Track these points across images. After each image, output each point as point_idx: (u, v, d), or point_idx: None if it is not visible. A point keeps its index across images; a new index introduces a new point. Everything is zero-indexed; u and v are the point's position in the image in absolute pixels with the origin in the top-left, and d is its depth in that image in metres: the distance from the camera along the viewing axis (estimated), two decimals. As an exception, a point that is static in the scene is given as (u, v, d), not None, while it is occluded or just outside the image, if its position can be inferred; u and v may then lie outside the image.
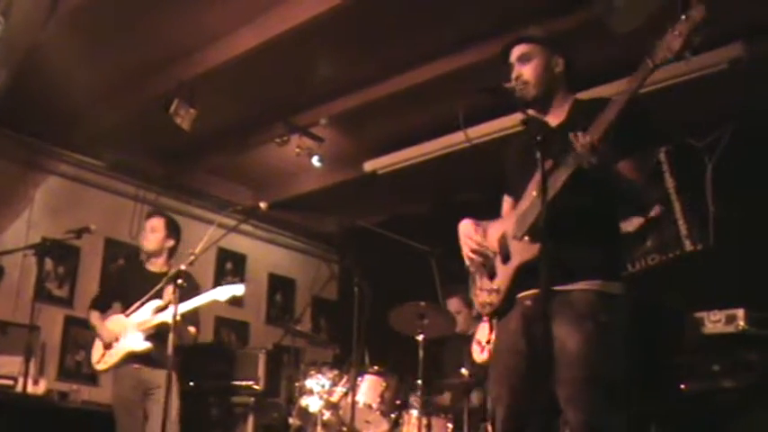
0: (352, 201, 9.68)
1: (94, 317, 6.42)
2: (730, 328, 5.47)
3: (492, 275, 3.75)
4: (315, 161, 8.14)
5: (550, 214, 3.15)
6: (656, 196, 7.28)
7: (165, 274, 6.26)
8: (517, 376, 3.49)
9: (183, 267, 5.43)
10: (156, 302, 6.10)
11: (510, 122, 6.62)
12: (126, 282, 6.48)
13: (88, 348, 7.88)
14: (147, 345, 6.07)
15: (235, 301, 6.51)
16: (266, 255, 10.54)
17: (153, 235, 6.47)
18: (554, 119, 3.66)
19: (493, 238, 3.75)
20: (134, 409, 6.18)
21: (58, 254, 8.12)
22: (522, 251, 3.51)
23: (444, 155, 7.94)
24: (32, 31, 6.39)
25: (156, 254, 6.42)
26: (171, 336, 5.34)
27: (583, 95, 3.80)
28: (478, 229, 3.82)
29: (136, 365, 6.16)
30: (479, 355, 5.93)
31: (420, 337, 6.44)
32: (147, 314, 6.12)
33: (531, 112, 3.56)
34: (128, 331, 6.18)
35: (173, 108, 7.01)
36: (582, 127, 3.26)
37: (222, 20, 6.51)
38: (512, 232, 3.61)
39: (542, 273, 3.01)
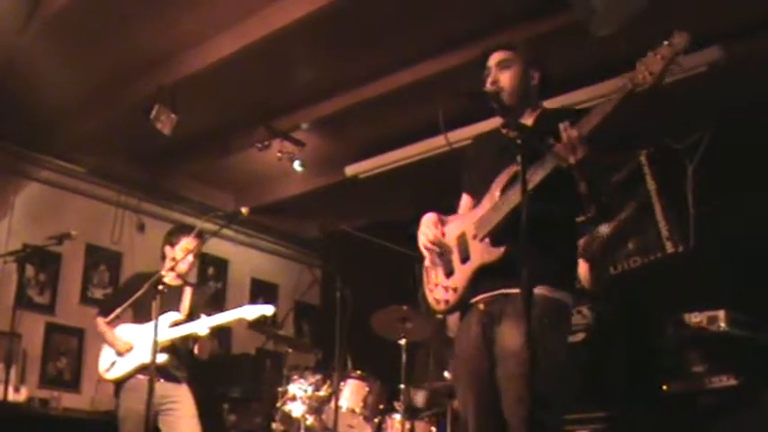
0: (334, 205, 9.68)
1: (101, 324, 6.26)
2: (712, 329, 5.49)
3: (449, 273, 3.75)
4: (296, 166, 8.13)
5: (515, 218, 3.19)
6: (620, 203, 7.33)
7: (179, 286, 6.25)
8: (481, 380, 3.50)
9: (163, 272, 5.40)
10: (174, 315, 6.06)
11: (490, 126, 6.63)
12: (137, 290, 6.28)
13: (70, 355, 7.88)
14: (164, 357, 5.97)
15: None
16: (248, 260, 10.52)
17: (187, 256, 6.24)
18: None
19: (452, 236, 3.76)
20: (142, 423, 6.02)
21: (38, 260, 8.08)
22: (483, 253, 3.53)
23: (425, 159, 7.95)
24: (10, 36, 6.37)
25: (182, 273, 6.34)
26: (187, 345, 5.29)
27: (554, 102, 3.83)
28: (438, 224, 3.82)
29: (147, 378, 6.01)
30: None
31: (402, 341, 6.44)
32: (165, 326, 5.99)
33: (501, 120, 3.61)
34: (143, 343, 6.01)
35: (153, 113, 6.99)
36: (549, 133, 3.28)
37: (202, 25, 6.50)
38: (472, 232, 3.62)
39: (523, 274, 3.00)
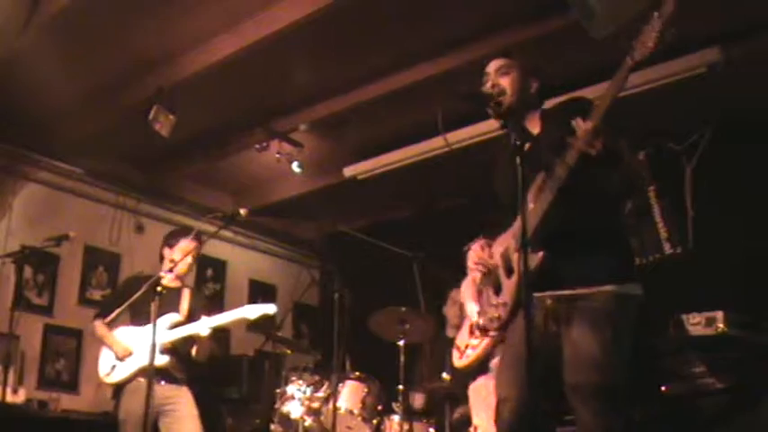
0: (333, 206, 9.69)
1: (100, 327, 6.27)
2: (710, 331, 5.49)
3: (497, 290, 3.76)
4: (295, 167, 8.13)
5: (549, 220, 3.23)
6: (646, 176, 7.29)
7: (178, 288, 6.26)
8: (524, 382, 3.47)
9: (161, 274, 5.40)
10: (173, 316, 6.06)
11: (489, 127, 6.64)
12: (135, 293, 6.24)
13: (68, 357, 7.88)
14: (165, 359, 5.97)
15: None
16: (247, 261, 10.52)
17: (185, 257, 6.27)
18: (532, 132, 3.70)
19: (497, 254, 3.79)
20: (142, 425, 6.01)
21: (37, 262, 8.06)
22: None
23: (424, 160, 7.96)
24: (9, 38, 6.37)
25: (180, 275, 6.34)
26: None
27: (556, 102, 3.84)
28: (485, 248, 3.87)
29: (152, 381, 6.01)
30: (458, 360, 5.91)
31: (401, 343, 6.44)
32: (164, 328, 6.02)
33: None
34: (143, 345, 5.99)
35: (152, 115, 6.99)
36: (558, 133, 3.28)
37: (201, 26, 6.49)
38: (513, 246, 3.64)
39: (523, 276, 3.01)
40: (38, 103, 7.28)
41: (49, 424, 7.49)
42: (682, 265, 7.14)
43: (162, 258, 6.40)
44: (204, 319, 6.00)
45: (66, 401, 7.99)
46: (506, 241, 3.75)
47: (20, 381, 7.62)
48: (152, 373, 5.22)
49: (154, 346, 5.27)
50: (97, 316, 6.37)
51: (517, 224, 3.59)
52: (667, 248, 7.33)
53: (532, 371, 3.35)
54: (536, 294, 3.58)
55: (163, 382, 5.99)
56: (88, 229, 8.59)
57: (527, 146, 3.21)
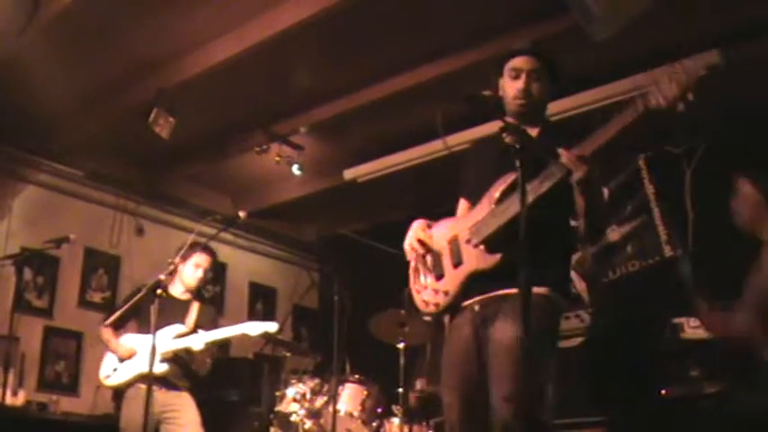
0: (333, 209, 9.69)
1: (107, 333, 6.30)
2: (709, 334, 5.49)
3: (439, 276, 3.75)
4: (295, 169, 8.13)
5: (512, 226, 3.21)
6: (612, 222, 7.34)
7: (187, 300, 6.29)
8: (469, 384, 3.50)
9: (162, 277, 5.40)
10: (178, 327, 6.07)
11: (489, 130, 6.63)
12: (144, 302, 6.03)
13: (68, 359, 7.88)
14: (164, 367, 6.00)
15: (216, 325, 6.47)
16: (247, 263, 10.52)
17: (196, 271, 6.37)
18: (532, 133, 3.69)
19: (441, 239, 3.77)
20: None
21: (37, 264, 8.07)
22: (478, 259, 3.54)
23: (424, 163, 7.96)
24: (9, 39, 6.37)
25: (192, 288, 6.37)
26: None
27: (556, 105, 3.85)
28: (425, 228, 3.85)
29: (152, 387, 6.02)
30: None
31: (401, 345, 6.44)
32: (169, 338, 6.05)
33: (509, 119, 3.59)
34: (145, 351, 5.98)
35: (152, 117, 6.99)
36: (554, 144, 3.31)
37: (201, 28, 6.50)
38: (465, 236, 3.63)
39: (521, 277, 3.01)
40: (38, 104, 7.29)
41: (49, 426, 7.48)
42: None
43: (174, 270, 6.33)
44: (201, 333, 6.05)
45: (66, 404, 7.98)
46: (455, 228, 3.74)
47: (20, 383, 7.62)
48: (151, 378, 5.22)
49: (154, 348, 5.27)
50: (106, 323, 6.38)
51: (475, 215, 3.63)
52: (667, 251, 7.33)
53: (485, 376, 3.40)
54: (465, 303, 3.62)
55: (163, 389, 6.00)
56: (88, 232, 8.59)
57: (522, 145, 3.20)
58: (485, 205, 3.59)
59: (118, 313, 5.96)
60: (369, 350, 6.86)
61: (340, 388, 6.55)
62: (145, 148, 8.09)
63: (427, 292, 3.79)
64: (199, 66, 6.83)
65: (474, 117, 6.52)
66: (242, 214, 5.83)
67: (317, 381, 6.84)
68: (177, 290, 6.37)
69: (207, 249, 6.47)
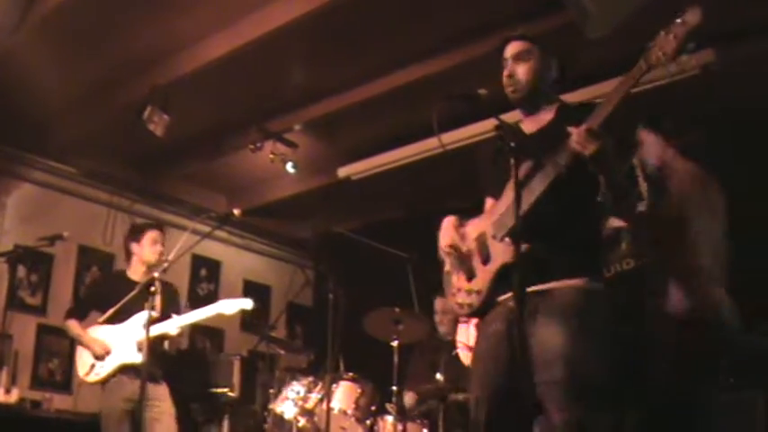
0: (327, 207, 9.68)
1: (75, 326, 6.26)
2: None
3: (470, 276, 3.69)
4: (289, 167, 8.12)
5: (534, 215, 3.20)
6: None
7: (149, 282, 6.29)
8: (499, 380, 3.43)
9: (156, 275, 5.40)
10: (148, 314, 6.08)
11: (484, 128, 6.65)
12: (108, 291, 6.22)
13: (61, 357, 7.88)
14: (141, 356, 6.00)
15: (175, 303, 6.49)
16: (241, 261, 10.52)
17: (155, 247, 6.36)
18: (539, 121, 3.65)
19: (471, 238, 3.71)
20: (124, 422, 6.10)
21: (30, 261, 8.06)
22: (504, 253, 3.46)
23: (419, 160, 7.96)
24: (3, 36, 6.36)
25: (153, 265, 6.38)
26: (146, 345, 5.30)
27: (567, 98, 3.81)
28: (458, 228, 3.77)
29: (128, 378, 6.09)
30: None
31: (395, 343, 6.44)
32: (139, 326, 6.02)
33: (519, 114, 3.59)
34: (120, 343, 6.08)
35: (146, 114, 6.99)
36: (569, 126, 3.26)
37: (195, 26, 6.50)
38: (491, 232, 3.58)
39: (516, 276, 3.00)
40: (32, 102, 7.27)
41: (43, 424, 7.48)
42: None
43: (129, 255, 6.44)
44: (174, 318, 6.08)
45: (59, 401, 7.99)
46: (481, 225, 3.68)
47: (13, 381, 7.61)
48: (145, 371, 5.25)
49: (149, 340, 5.30)
50: (69, 315, 6.36)
51: (498, 210, 3.57)
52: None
53: (517, 374, 3.36)
54: (500, 298, 3.55)
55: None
56: (82, 229, 8.58)
57: (516, 143, 3.18)
58: (505, 199, 3.52)
59: (111, 311, 5.95)
60: (363, 348, 6.86)
61: (334, 386, 6.55)
62: (139, 145, 8.08)
63: (461, 294, 3.73)
64: (193, 63, 6.83)
65: (470, 115, 6.53)
66: (236, 212, 5.83)
67: (311, 378, 6.83)
68: (137, 273, 6.34)
69: (155, 225, 6.59)
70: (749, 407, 5.21)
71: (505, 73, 3.65)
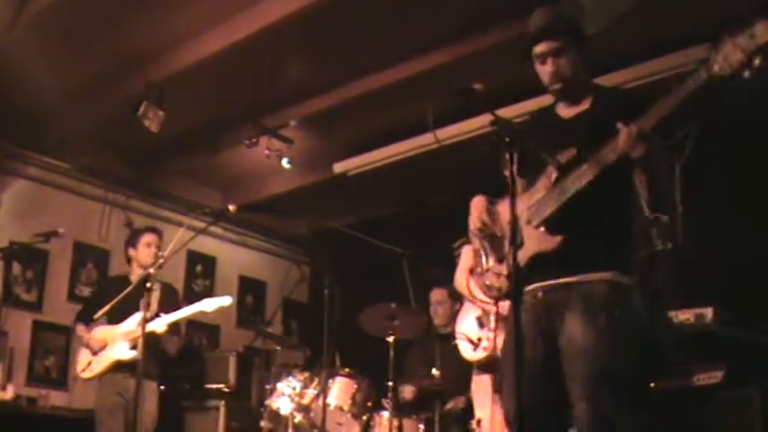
0: (323, 202, 9.67)
1: (81, 330, 6.51)
2: (699, 327, 5.49)
3: (501, 258, 3.69)
4: (284, 163, 8.12)
5: (572, 206, 3.25)
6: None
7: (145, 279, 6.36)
8: (528, 370, 3.40)
9: (152, 271, 5.42)
10: (143, 311, 6.13)
11: (479, 124, 6.64)
12: (112, 295, 6.20)
13: (57, 353, 7.89)
14: (133, 353, 6.10)
15: (174, 304, 6.56)
16: (236, 257, 10.50)
17: (149, 250, 6.50)
18: (575, 110, 3.67)
19: (504, 219, 3.68)
20: (117, 417, 6.22)
21: (26, 258, 8.04)
22: (539, 241, 3.47)
23: (414, 156, 7.95)
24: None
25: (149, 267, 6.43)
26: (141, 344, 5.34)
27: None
28: (487, 208, 3.77)
29: (122, 374, 6.21)
30: (471, 353, 5.80)
31: (390, 339, 6.43)
32: (133, 324, 6.17)
33: (559, 104, 3.60)
34: (115, 340, 6.28)
35: (141, 110, 6.98)
36: (607, 114, 3.31)
37: (190, 22, 6.49)
38: (525, 217, 3.56)
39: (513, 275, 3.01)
40: (27, 98, 7.27)
41: (38, 420, 7.48)
42: (671, 261, 7.15)
43: (129, 260, 6.65)
44: (162, 316, 6.20)
45: (55, 398, 7.99)
46: (517, 208, 3.67)
47: (8, 377, 7.61)
48: (141, 367, 5.28)
49: (145, 337, 5.37)
50: (79, 320, 6.60)
51: (534, 196, 3.56)
52: (657, 244, 7.33)
53: (545, 363, 3.39)
54: (527, 288, 3.54)
55: (133, 377, 6.09)
56: (77, 225, 8.57)
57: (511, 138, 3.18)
58: (543, 184, 3.52)
59: (104, 310, 5.98)
60: (359, 344, 6.85)
61: (330, 382, 6.55)
62: (134, 141, 8.07)
63: (489, 275, 3.72)
64: (188, 59, 6.82)
65: (465, 110, 6.52)
66: (231, 208, 5.87)
67: (306, 374, 6.84)
68: (136, 275, 6.46)
69: (153, 229, 6.74)
70: (745, 403, 5.21)
71: (549, 69, 3.62)
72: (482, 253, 3.82)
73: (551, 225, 3.43)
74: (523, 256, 3.52)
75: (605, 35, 5.57)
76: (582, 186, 3.31)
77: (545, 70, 3.63)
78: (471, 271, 4.38)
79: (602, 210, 3.36)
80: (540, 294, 3.50)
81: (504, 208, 3.71)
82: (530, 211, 3.55)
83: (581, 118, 3.60)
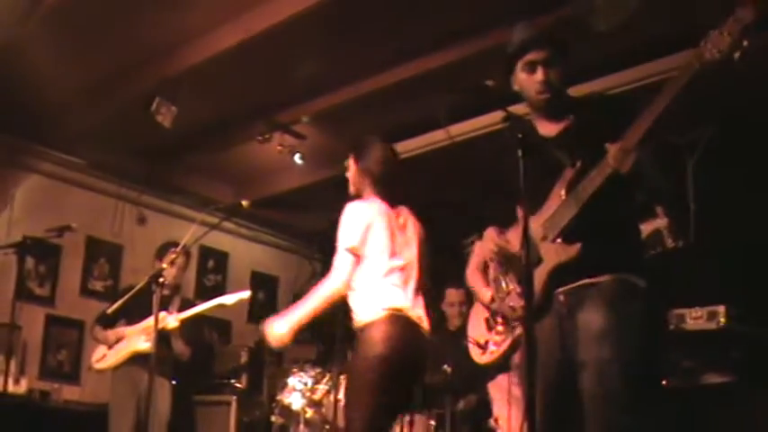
0: (334, 198, 9.66)
1: (99, 332, 6.64)
2: (711, 325, 5.48)
3: (521, 279, 3.70)
4: (297, 159, 8.13)
5: (585, 215, 3.29)
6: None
7: (168, 296, 6.44)
8: (553, 372, 3.48)
9: (164, 266, 5.44)
10: (161, 314, 6.18)
11: (491, 120, 6.64)
12: (135, 302, 6.18)
13: (70, 347, 7.93)
14: (149, 345, 6.12)
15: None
16: (248, 252, 10.52)
17: (171, 269, 6.38)
18: (553, 126, 3.67)
19: (516, 241, 3.69)
20: (129, 410, 6.26)
21: (39, 252, 8.07)
22: (558, 253, 3.50)
23: (427, 152, 7.94)
24: (11, 28, 6.37)
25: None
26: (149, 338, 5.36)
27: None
28: (501, 236, 3.83)
29: (136, 367, 6.25)
30: (481, 356, 5.82)
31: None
32: (152, 321, 6.17)
33: (538, 119, 3.60)
34: (132, 335, 6.41)
35: (154, 106, 7.00)
36: (593, 126, 3.36)
37: (203, 18, 6.49)
38: (540, 234, 3.59)
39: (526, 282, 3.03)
40: (40, 94, 7.28)
41: (51, 414, 7.52)
42: (683, 259, 7.13)
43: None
44: (174, 313, 6.36)
45: (68, 392, 8.03)
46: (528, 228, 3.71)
47: (21, 371, 7.65)
48: (153, 363, 5.30)
49: (163, 332, 5.43)
50: (98, 322, 6.71)
51: (546, 212, 3.58)
52: (669, 242, 7.32)
53: (570, 365, 3.41)
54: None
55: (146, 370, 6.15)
56: (90, 221, 8.60)
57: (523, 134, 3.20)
58: (554, 200, 3.55)
59: (118, 303, 6.00)
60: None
61: (341, 377, 6.56)
62: (147, 137, 8.07)
63: (512, 297, 3.77)
64: (201, 55, 6.82)
65: (477, 107, 6.52)
66: (244, 203, 5.89)
67: (318, 370, 6.86)
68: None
69: (178, 246, 6.50)
70: (757, 402, 5.20)
71: (540, 77, 3.61)
72: (500, 277, 3.90)
73: (568, 235, 3.46)
74: (543, 271, 3.57)
75: (615, 33, 5.58)
76: (590, 194, 3.36)
77: (533, 79, 3.63)
78: (479, 268, 4.45)
79: (602, 218, 3.38)
80: (561, 298, 3.54)
81: (514, 235, 3.78)
82: (544, 227, 3.58)
83: (567, 133, 3.61)
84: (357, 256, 4.30)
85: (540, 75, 3.61)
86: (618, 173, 3.24)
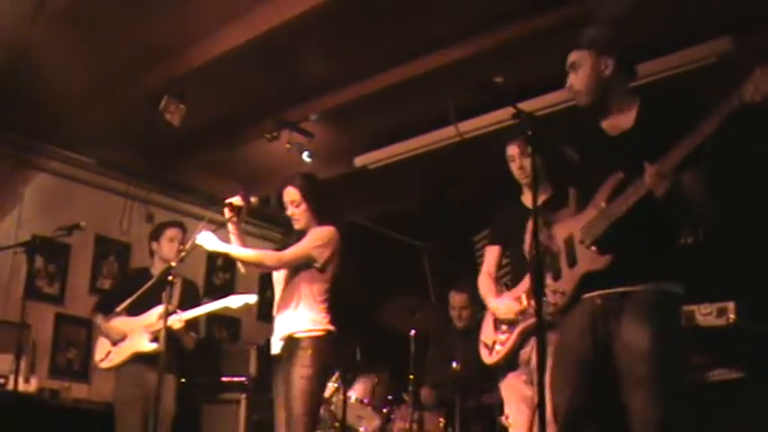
0: (343, 196, 9.67)
1: (100, 319, 6.62)
2: (721, 321, 5.47)
3: (557, 276, 3.77)
4: (305, 157, 8.11)
5: (619, 227, 3.35)
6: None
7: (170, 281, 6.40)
8: (582, 374, 3.52)
9: (173, 264, 5.44)
10: (165, 305, 6.17)
11: (501, 117, 6.63)
12: (133, 287, 6.15)
13: (79, 346, 7.94)
14: (153, 346, 6.17)
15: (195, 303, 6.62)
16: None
17: (172, 244, 6.63)
18: (619, 124, 3.69)
19: (559, 238, 3.78)
20: (135, 409, 6.27)
21: (48, 251, 8.08)
22: (590, 260, 3.56)
23: (436, 149, 7.93)
24: (19, 27, 6.38)
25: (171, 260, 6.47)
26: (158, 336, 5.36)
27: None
28: (546, 228, 3.84)
29: (141, 366, 6.26)
30: (488, 357, 5.83)
31: (411, 333, 6.43)
32: (153, 317, 6.24)
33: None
34: (134, 332, 6.37)
35: (162, 104, 7.01)
36: (652, 134, 3.41)
37: (211, 16, 6.49)
38: (579, 236, 3.64)
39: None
40: (48, 92, 7.28)
41: (61, 413, 7.52)
42: (693, 255, 7.10)
43: (152, 253, 6.82)
44: (179, 313, 6.28)
45: (77, 390, 8.04)
46: (571, 226, 3.75)
47: (31, 370, 7.66)
48: (162, 363, 5.31)
49: (168, 330, 5.42)
50: (98, 309, 6.74)
51: (586, 215, 3.64)
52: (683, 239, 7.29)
53: (600, 368, 3.47)
54: (585, 295, 3.62)
55: (152, 370, 6.15)
56: (99, 219, 8.61)
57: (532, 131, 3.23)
58: (596, 203, 3.60)
59: (128, 301, 5.99)
60: (379, 337, 6.86)
61: (350, 375, 6.57)
62: (155, 135, 8.07)
63: (547, 292, 3.80)
64: (209, 53, 6.82)
65: (487, 104, 6.51)
66: (253, 200, 5.92)
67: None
68: (158, 268, 6.52)
69: (177, 223, 6.88)
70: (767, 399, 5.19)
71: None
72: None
73: (601, 245, 3.50)
74: (575, 274, 3.64)
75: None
76: (623, 212, 3.41)
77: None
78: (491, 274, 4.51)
79: (641, 228, 3.43)
80: (598, 301, 3.58)
81: (559, 228, 3.82)
82: (582, 231, 3.62)
83: (625, 136, 3.64)
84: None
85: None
86: (652, 194, 3.27)
